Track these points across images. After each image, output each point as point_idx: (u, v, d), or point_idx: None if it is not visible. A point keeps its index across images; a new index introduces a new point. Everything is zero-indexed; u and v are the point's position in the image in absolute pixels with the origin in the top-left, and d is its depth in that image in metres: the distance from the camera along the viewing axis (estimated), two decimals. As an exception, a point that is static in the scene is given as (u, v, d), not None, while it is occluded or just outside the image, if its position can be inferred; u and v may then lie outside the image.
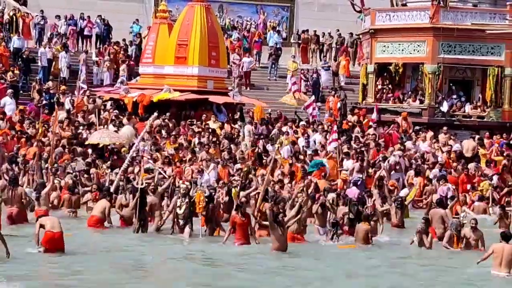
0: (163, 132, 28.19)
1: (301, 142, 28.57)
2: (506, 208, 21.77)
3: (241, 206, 18.13)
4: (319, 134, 29.56)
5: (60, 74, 34.23)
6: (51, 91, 31.64)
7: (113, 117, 28.99)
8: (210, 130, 28.73)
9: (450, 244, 18.17)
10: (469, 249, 17.99)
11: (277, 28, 41.83)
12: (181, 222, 18.92)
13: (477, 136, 30.60)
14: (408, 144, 29.11)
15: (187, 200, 18.89)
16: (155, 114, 23.46)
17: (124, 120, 28.83)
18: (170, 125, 29.30)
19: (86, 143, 25.85)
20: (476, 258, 16.09)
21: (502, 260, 15.48)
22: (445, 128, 30.63)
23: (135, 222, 19.10)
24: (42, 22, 37.12)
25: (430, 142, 29.58)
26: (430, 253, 17.96)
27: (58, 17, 38.06)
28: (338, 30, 39.64)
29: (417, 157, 27.68)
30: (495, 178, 26.30)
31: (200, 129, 28.89)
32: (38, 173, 22.30)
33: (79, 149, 25.50)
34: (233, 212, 18.16)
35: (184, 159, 25.90)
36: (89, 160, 24.51)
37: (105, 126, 28.04)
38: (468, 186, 25.58)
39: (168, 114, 30.12)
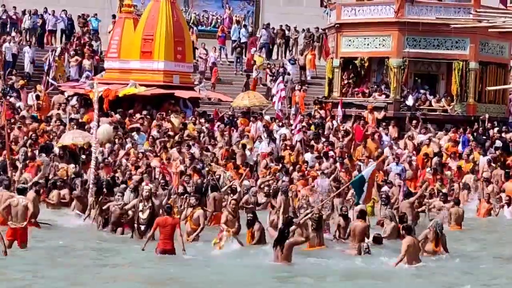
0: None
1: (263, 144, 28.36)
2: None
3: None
4: (286, 129, 29.64)
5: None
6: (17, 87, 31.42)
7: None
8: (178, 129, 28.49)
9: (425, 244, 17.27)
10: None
11: (243, 23, 41.78)
12: (142, 227, 17.97)
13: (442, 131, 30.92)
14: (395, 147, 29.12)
15: (150, 204, 18.14)
16: (96, 79, 21.77)
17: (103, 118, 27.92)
18: (146, 123, 29.11)
19: (57, 145, 25.02)
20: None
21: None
22: (414, 122, 30.91)
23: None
24: (4, 17, 36.79)
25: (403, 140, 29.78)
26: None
27: (23, 12, 37.70)
28: (307, 30, 39.71)
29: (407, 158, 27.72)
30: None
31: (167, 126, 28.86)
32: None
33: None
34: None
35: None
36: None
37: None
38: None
39: (149, 108, 30.04)
